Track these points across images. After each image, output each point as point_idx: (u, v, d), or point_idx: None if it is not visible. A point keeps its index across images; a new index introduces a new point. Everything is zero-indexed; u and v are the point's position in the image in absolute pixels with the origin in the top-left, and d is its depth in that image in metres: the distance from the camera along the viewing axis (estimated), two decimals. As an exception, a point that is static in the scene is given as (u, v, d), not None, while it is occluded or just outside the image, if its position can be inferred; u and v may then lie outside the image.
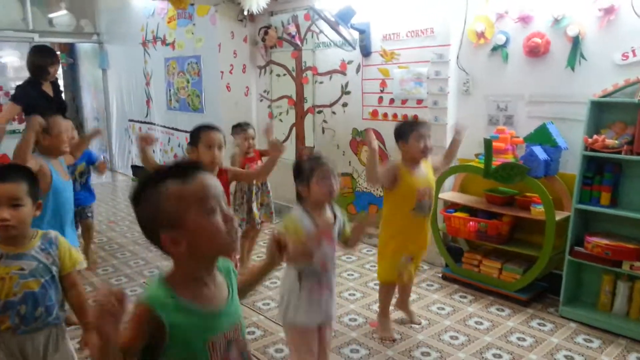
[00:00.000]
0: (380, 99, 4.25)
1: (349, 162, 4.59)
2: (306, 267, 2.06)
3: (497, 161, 3.34)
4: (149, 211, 1.14)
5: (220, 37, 5.47)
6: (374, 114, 4.31)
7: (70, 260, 1.84)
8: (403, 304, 3.14)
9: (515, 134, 3.46)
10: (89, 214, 3.92)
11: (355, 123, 4.47)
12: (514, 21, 3.46)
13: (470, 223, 3.48)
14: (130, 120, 7.60)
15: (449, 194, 3.78)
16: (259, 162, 3.77)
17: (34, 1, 7.51)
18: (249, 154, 3.76)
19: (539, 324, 3.07)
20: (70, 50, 8.89)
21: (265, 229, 4.29)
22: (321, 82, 4.71)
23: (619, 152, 2.90)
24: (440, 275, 3.79)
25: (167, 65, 6.60)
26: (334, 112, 4.65)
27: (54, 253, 1.79)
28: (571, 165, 3.22)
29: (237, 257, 3.49)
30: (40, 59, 4.17)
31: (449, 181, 3.86)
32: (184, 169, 1.16)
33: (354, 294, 3.53)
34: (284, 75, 5.04)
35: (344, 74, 4.50)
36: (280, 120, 5.17)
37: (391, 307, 3.05)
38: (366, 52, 4.24)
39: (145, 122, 7.28)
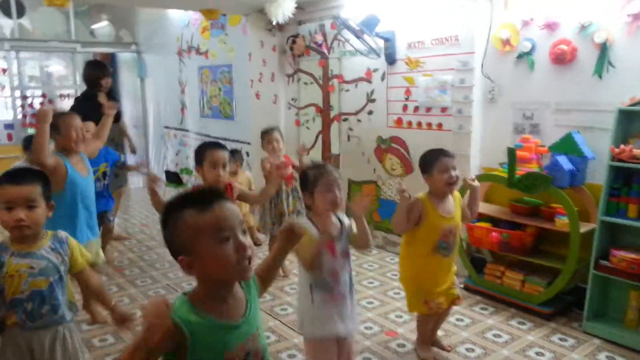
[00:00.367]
0: (405, 107, 4.23)
1: (374, 169, 4.58)
2: (316, 278, 2.05)
3: (521, 170, 3.27)
4: (169, 235, 1.24)
5: (251, 46, 5.57)
6: (399, 122, 4.29)
7: (82, 259, 1.92)
8: (432, 335, 2.88)
9: (540, 143, 3.38)
10: (111, 218, 4.04)
11: (380, 131, 4.46)
12: (540, 28, 3.39)
13: (493, 233, 3.41)
14: (166, 127, 7.81)
15: (472, 204, 3.71)
16: (290, 168, 3.73)
17: (77, 13, 7.86)
18: (278, 158, 3.76)
19: (560, 339, 2.97)
20: (111, 60, 9.23)
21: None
22: (347, 90, 4.73)
23: (647, 163, 2.79)
24: (462, 286, 3.71)
25: (200, 74, 6.77)
26: (359, 120, 4.66)
27: (64, 253, 1.87)
28: (599, 175, 3.12)
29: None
30: (93, 72, 4.73)
31: (473, 190, 3.80)
32: (203, 198, 1.23)
33: (372, 302, 3.51)
34: (311, 83, 5.08)
35: (369, 82, 4.50)
36: (308, 128, 5.21)
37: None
38: (391, 60, 4.24)
39: (180, 129, 7.47)
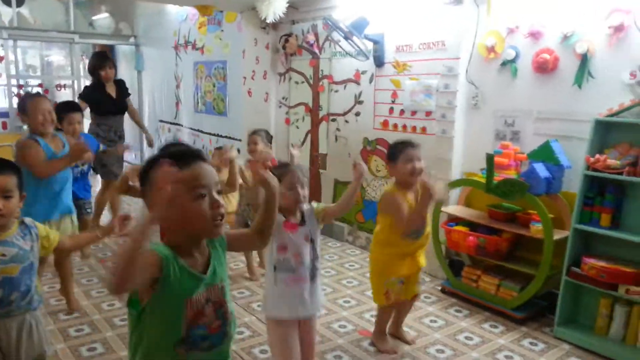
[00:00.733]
0: (391, 110, 4.27)
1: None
2: (280, 259, 2.15)
3: (499, 176, 3.31)
4: (148, 190, 1.32)
5: (245, 43, 5.62)
6: (385, 124, 4.34)
7: (51, 240, 2.01)
8: (396, 328, 3.03)
9: (519, 150, 3.42)
10: (88, 209, 3.97)
11: (367, 132, 4.51)
12: (524, 36, 3.43)
13: (470, 238, 3.45)
14: (161, 121, 7.86)
15: (452, 208, 3.76)
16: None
17: (77, 4, 7.90)
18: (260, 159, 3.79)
19: (531, 343, 3.02)
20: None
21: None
22: (336, 91, 4.77)
23: (621, 173, 2.83)
24: (439, 288, 3.76)
25: (196, 69, 6.81)
26: (347, 121, 4.70)
27: (33, 238, 1.93)
28: (575, 184, 3.15)
29: None
30: (93, 62, 5.09)
31: (454, 195, 3.85)
32: (183, 156, 1.31)
33: (349, 302, 3.55)
34: (302, 82, 5.12)
35: (357, 83, 4.54)
36: (297, 127, 5.25)
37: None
38: (379, 62, 4.28)
39: (174, 124, 7.52)
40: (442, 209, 3.68)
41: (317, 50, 4.90)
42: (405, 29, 4.08)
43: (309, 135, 5.11)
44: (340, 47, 4.33)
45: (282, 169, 2.17)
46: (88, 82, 5.44)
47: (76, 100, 5.29)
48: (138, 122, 5.68)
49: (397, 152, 2.69)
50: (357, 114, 4.58)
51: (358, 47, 4.19)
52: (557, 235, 3.11)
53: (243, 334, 3.05)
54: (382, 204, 2.78)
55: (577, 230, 3.02)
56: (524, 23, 3.42)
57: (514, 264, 3.35)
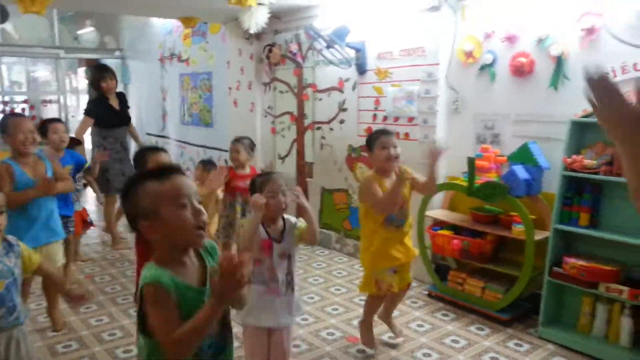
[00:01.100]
0: (375, 117, 4.31)
1: (345, 178, 4.66)
2: (255, 272, 2.19)
3: (480, 179, 3.35)
4: (132, 204, 1.38)
5: (229, 54, 5.66)
6: (369, 131, 4.32)
7: (32, 261, 2.03)
8: (386, 316, 3.11)
9: (500, 153, 3.47)
10: (71, 229, 3.68)
11: (351, 140, 4.54)
12: (501, 40, 3.49)
13: (454, 241, 3.49)
14: (148, 134, 7.85)
15: (436, 212, 3.79)
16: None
17: (62, 19, 7.91)
18: (239, 168, 3.82)
19: (516, 344, 3.05)
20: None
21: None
22: (320, 99, 4.81)
23: (598, 173, 2.88)
24: (426, 293, 3.79)
25: (181, 80, 6.83)
26: (331, 129, 4.73)
27: (16, 255, 1.95)
28: (554, 185, 3.20)
29: None
30: (93, 74, 5.14)
31: (438, 199, 3.88)
32: (161, 172, 1.40)
33: (337, 309, 3.57)
34: (287, 92, 5.16)
35: (341, 91, 4.59)
36: (283, 136, 5.28)
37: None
38: (362, 70, 4.33)
39: (161, 136, 7.52)
40: (427, 213, 3.72)
41: (300, 60, 4.94)
42: (385, 36, 4.13)
43: (295, 144, 5.14)
44: (323, 55, 4.37)
45: (264, 177, 2.23)
46: (76, 98, 5.46)
47: (82, 114, 5.32)
48: (134, 135, 5.69)
49: (373, 141, 2.82)
50: (342, 122, 4.62)
51: (340, 55, 4.24)
52: (539, 235, 3.16)
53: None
54: (359, 190, 2.94)
55: (557, 231, 3.06)
56: (500, 27, 3.48)
57: (498, 266, 3.39)
